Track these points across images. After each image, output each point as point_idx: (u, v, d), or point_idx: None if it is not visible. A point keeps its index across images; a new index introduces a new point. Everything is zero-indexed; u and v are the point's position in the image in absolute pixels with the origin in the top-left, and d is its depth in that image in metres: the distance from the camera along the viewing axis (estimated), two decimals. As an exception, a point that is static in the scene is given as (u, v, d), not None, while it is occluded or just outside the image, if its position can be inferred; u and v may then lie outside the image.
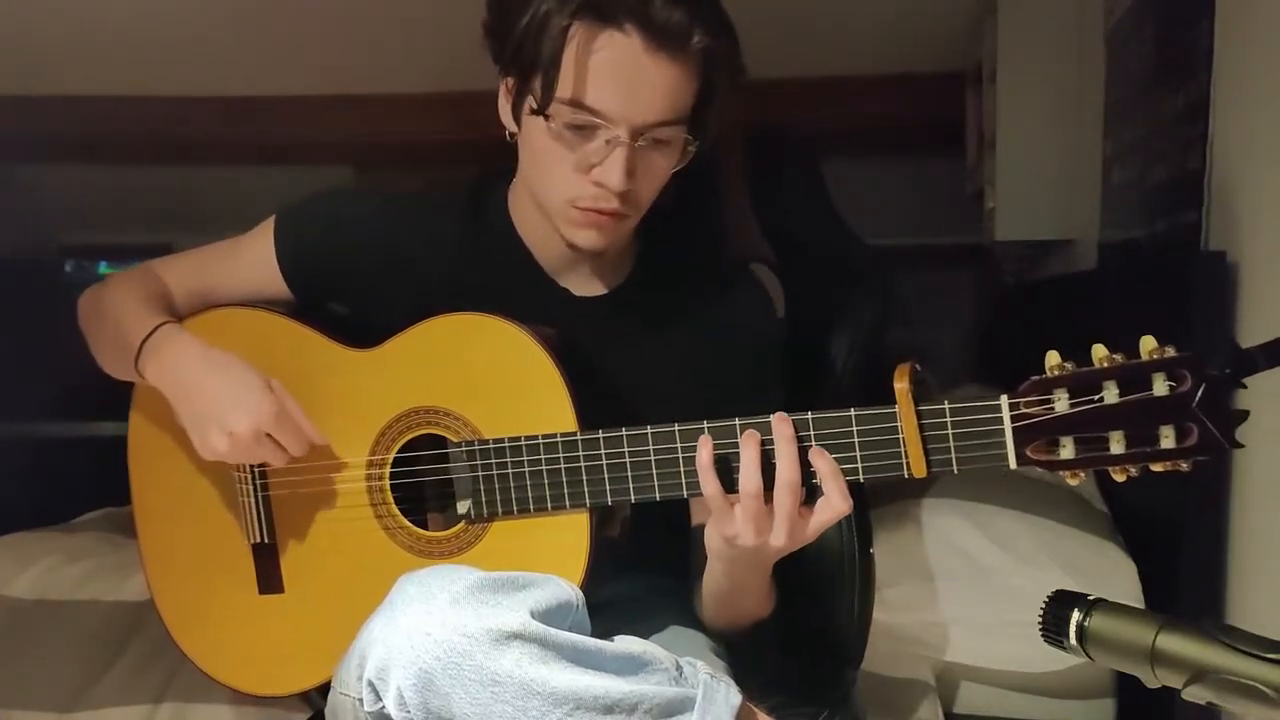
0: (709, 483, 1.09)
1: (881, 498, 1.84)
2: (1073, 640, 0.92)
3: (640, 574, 1.33)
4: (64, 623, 1.71)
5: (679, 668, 1.07)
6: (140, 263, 1.39)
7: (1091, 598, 0.92)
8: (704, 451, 1.09)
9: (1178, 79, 1.65)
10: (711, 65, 1.14)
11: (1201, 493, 1.44)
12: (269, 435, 1.19)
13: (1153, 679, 0.88)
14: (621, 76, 1.11)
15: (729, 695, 1.07)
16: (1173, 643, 0.86)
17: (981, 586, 1.68)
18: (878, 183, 2.70)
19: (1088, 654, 0.91)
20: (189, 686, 1.36)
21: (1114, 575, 1.64)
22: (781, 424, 1.07)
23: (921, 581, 1.71)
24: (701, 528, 1.18)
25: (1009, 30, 2.41)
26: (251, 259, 1.33)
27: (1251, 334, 1.37)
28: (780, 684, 1.30)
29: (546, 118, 1.13)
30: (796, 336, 1.48)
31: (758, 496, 1.07)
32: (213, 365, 1.22)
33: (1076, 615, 0.92)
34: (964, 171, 2.92)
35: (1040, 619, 0.94)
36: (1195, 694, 0.86)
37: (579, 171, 1.15)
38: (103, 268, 3.26)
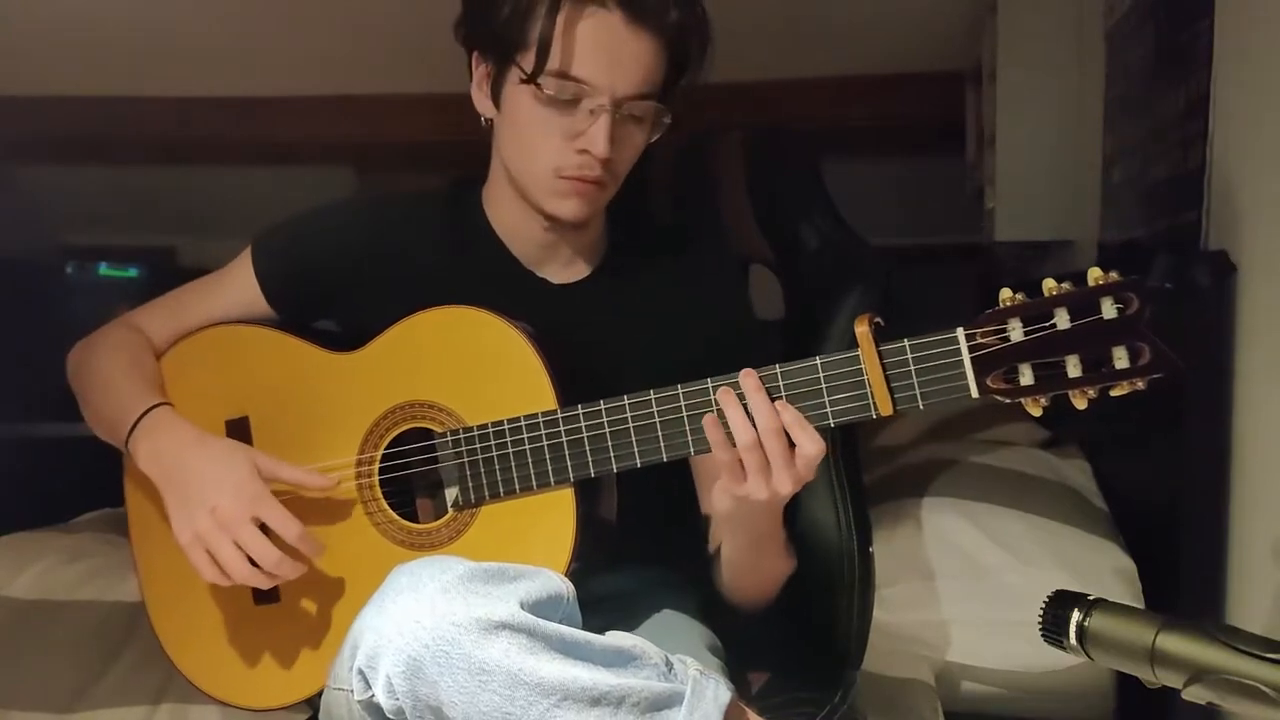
0: (715, 436, 1.10)
1: (881, 496, 1.84)
2: (1073, 640, 0.92)
3: (633, 568, 1.34)
4: (63, 623, 1.71)
5: (669, 663, 1.08)
6: (118, 316, 1.40)
7: (1091, 598, 0.92)
8: (710, 419, 1.11)
9: (1178, 77, 1.65)
10: (684, 40, 1.21)
11: (1201, 492, 1.44)
12: (257, 521, 1.19)
13: (1153, 679, 0.88)
14: (604, 48, 1.17)
15: (718, 692, 1.07)
16: (1173, 643, 0.87)
17: (981, 585, 1.68)
18: (878, 183, 2.69)
19: (1088, 654, 0.91)
20: (188, 687, 1.36)
21: (1114, 575, 1.64)
22: (747, 378, 1.10)
23: (921, 581, 1.71)
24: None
25: (1009, 30, 2.40)
26: (232, 288, 1.36)
27: (1252, 333, 1.37)
28: (780, 684, 1.30)
29: (538, 85, 1.17)
30: (796, 335, 1.47)
31: (756, 447, 1.09)
32: (201, 447, 1.23)
33: (1076, 615, 0.92)
34: (964, 171, 2.91)
35: (1040, 619, 0.94)
36: (1195, 694, 0.86)
37: (565, 140, 1.20)
38: (103, 268, 3.26)
